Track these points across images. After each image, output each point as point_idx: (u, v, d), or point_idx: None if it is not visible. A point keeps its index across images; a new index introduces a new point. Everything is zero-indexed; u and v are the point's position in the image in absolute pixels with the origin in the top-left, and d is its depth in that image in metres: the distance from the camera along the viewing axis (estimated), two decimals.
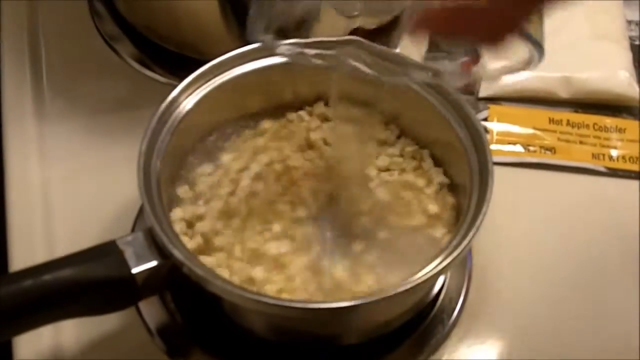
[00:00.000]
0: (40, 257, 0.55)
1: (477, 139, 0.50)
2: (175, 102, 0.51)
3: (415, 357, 0.52)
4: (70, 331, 0.52)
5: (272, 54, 0.53)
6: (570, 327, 0.55)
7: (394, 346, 0.52)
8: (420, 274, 0.45)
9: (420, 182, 0.53)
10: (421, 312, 0.52)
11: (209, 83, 0.52)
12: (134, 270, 0.45)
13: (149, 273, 0.46)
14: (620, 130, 0.63)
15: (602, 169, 0.62)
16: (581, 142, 0.63)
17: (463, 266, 0.55)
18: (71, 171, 0.60)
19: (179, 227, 0.50)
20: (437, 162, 0.54)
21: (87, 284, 0.45)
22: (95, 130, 0.62)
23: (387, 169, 0.53)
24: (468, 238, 0.46)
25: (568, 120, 0.63)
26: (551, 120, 0.63)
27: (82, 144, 0.61)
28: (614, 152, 0.62)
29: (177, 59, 0.62)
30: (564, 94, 0.64)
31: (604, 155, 0.62)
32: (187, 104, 0.52)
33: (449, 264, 0.45)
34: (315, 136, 0.55)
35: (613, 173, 0.62)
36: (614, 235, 0.59)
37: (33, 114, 0.63)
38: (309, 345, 0.51)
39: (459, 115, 0.51)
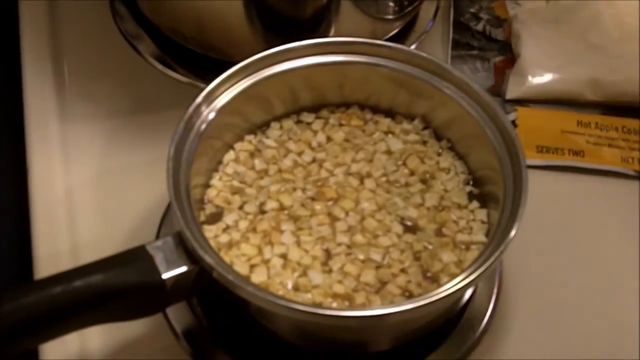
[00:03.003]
0: (65, 260, 0.55)
1: (512, 149, 0.49)
2: (201, 105, 0.51)
3: None
4: (96, 335, 0.51)
5: (297, 56, 0.53)
6: (604, 333, 0.54)
7: (424, 353, 0.51)
8: (452, 284, 0.45)
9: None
10: (451, 318, 0.52)
11: (235, 86, 0.52)
12: (165, 276, 0.45)
13: (178, 278, 0.46)
14: None
15: (632, 173, 0.61)
16: (610, 145, 0.62)
17: (493, 271, 0.54)
18: (94, 174, 0.60)
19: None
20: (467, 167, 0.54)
21: (117, 289, 0.44)
22: (118, 132, 0.62)
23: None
24: (501, 249, 0.46)
25: (596, 123, 0.63)
26: (579, 123, 0.63)
27: (104, 145, 0.61)
28: None
29: (200, 60, 0.62)
30: (591, 95, 0.64)
31: (633, 158, 0.61)
32: (214, 107, 0.51)
33: (482, 273, 0.45)
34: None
35: None
36: None
37: (55, 116, 0.62)
38: (338, 351, 0.50)
39: (492, 121, 0.50)
